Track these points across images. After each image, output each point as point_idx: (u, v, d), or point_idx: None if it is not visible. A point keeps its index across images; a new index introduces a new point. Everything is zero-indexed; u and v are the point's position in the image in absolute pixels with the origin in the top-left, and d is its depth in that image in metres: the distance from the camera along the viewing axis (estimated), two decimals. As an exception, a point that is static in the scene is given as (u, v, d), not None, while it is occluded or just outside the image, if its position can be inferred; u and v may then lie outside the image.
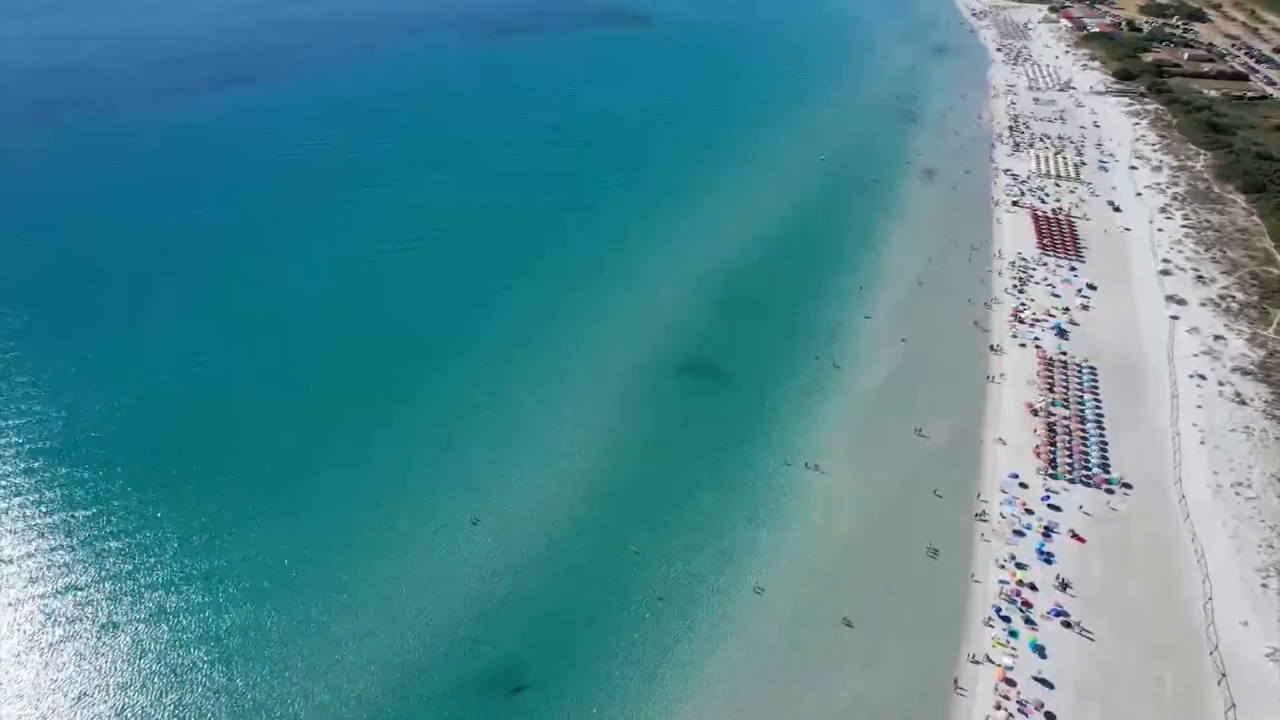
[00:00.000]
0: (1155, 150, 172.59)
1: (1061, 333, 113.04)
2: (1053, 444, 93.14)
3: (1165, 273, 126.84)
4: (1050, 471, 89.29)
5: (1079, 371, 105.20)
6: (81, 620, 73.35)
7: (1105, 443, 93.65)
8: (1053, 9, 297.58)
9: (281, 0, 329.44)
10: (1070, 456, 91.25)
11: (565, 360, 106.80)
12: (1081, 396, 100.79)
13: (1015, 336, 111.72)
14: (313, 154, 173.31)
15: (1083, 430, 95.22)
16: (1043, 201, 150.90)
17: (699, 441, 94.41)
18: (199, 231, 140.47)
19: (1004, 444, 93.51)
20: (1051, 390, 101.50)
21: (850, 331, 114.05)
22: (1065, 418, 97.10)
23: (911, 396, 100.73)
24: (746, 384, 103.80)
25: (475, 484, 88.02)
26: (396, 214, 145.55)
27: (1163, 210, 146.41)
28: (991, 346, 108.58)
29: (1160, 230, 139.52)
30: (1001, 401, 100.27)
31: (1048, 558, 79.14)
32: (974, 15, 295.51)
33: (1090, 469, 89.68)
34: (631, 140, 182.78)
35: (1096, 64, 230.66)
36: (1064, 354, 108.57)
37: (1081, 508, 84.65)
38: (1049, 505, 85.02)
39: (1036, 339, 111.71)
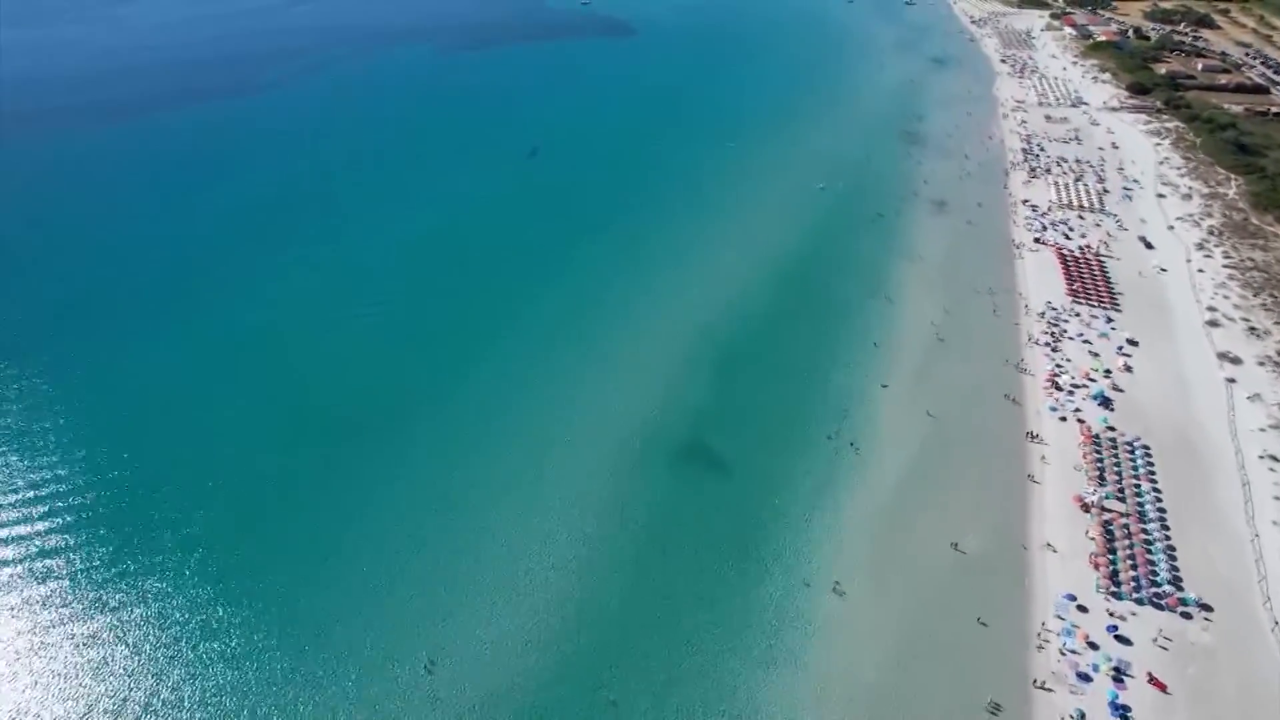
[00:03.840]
0: (1181, 175, 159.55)
1: (1105, 402, 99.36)
2: (1111, 550, 79.42)
3: (1213, 324, 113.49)
4: (1112, 589, 75.50)
5: (1131, 452, 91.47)
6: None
7: (1173, 548, 79.99)
8: (1054, 16, 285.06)
9: (251, 11, 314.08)
10: (1134, 568, 77.48)
11: (539, 449, 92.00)
12: (1138, 485, 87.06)
13: (1055, 409, 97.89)
14: (261, 185, 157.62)
15: (1144, 532, 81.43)
16: (1067, 238, 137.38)
17: (696, 553, 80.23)
18: (140, 269, 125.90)
19: (1054, 551, 79.75)
20: (1102, 479, 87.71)
21: (867, 403, 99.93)
22: (1122, 515, 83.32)
23: (942, 490, 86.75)
24: (751, 475, 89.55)
25: (431, 617, 73.89)
26: (352, 267, 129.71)
27: (1199, 247, 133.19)
28: (1030, 434, 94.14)
29: (1200, 271, 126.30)
30: (1045, 494, 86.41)
31: (1124, 713, 65.26)
32: (973, 23, 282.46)
33: (1159, 585, 75.99)
34: (613, 166, 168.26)
35: (1107, 76, 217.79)
36: (1111, 429, 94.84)
37: (1155, 640, 70.97)
38: (1116, 637, 71.26)
39: (1078, 410, 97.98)
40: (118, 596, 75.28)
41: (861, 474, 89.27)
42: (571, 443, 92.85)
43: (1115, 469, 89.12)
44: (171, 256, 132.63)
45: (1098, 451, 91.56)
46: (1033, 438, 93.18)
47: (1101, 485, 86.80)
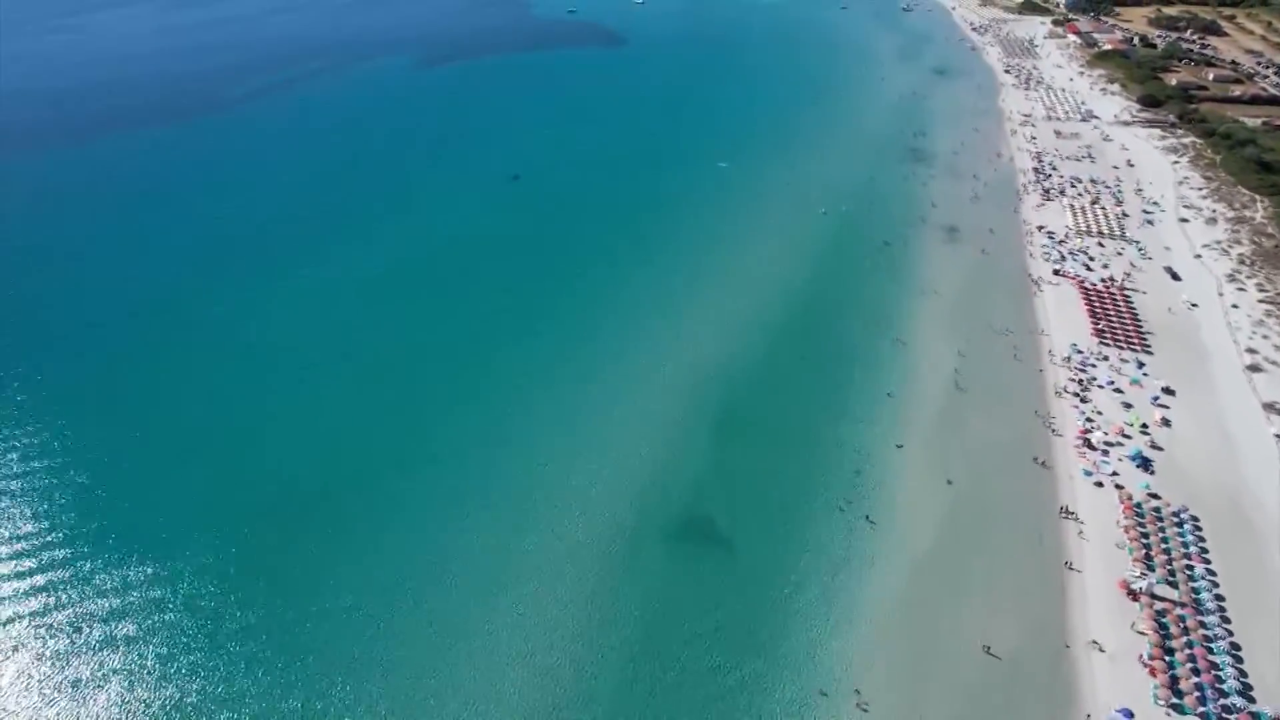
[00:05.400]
0: (1204, 196, 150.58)
1: (1144, 463, 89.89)
2: (1168, 651, 69.80)
3: (1254, 368, 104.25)
4: (1173, 700, 65.95)
5: (1179, 526, 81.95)
6: None
7: (1237, 646, 70.51)
8: (1056, 22, 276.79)
9: (223, 20, 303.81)
10: (1196, 673, 67.94)
11: (518, 528, 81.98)
12: (1191, 568, 77.57)
13: (1089, 474, 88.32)
14: (222, 214, 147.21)
15: (1203, 627, 71.92)
16: (1088, 268, 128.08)
17: (697, 654, 70.44)
18: (85, 308, 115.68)
19: (1101, 651, 70.16)
20: (1149, 559, 78.17)
21: (881, 467, 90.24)
22: (1176, 604, 73.80)
23: (968, 577, 77.11)
24: (756, 555, 79.80)
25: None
26: (315, 308, 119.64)
27: (1231, 278, 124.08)
28: (1063, 509, 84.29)
29: (1235, 306, 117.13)
30: (1085, 579, 76.88)
31: None
32: (974, 30, 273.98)
33: (1227, 694, 66.44)
34: (600, 191, 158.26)
35: (1116, 87, 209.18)
36: (1154, 497, 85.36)
37: (1228, 770, 61.10)
38: (1183, 766, 61.48)
39: (1115, 474, 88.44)
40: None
41: (878, 555, 79.54)
42: (555, 521, 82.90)
43: (1163, 547, 79.61)
44: (124, 292, 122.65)
45: (1141, 525, 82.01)
46: (1067, 513, 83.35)
47: (1149, 568, 77.24)
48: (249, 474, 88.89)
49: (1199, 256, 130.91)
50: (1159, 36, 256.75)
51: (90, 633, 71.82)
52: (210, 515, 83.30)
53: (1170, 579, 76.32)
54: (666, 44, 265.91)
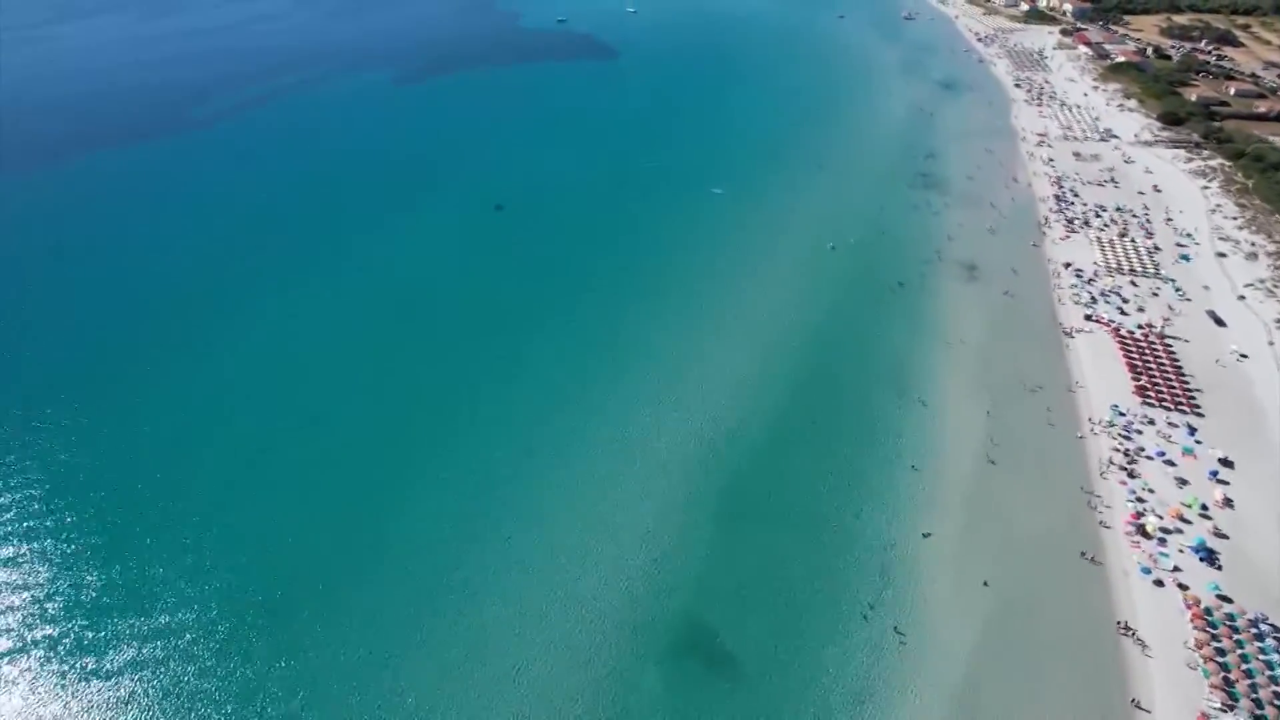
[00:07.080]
0: (1239, 227, 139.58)
1: (1209, 556, 78.61)
2: (1262, 813, 58.11)
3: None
4: None
5: (1259, 640, 70.71)
6: None
7: (1344, 807, 58.80)
8: (1065, 32, 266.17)
9: (201, 31, 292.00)
10: (1299, 846, 56.20)
11: (489, 649, 70.02)
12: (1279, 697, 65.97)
13: (1147, 571, 77.02)
14: (179, 245, 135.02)
15: (1302, 781, 60.27)
16: (1122, 313, 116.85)
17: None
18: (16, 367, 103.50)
19: (1184, 811, 58.38)
20: (1229, 684, 66.76)
21: (908, 562, 78.88)
22: (1266, 748, 62.19)
23: (1017, 710, 65.27)
24: (770, 678, 68.77)
25: None
26: (272, 355, 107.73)
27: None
28: (1121, 625, 72.64)
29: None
30: (1156, 713, 65.06)
31: None
32: (979, 40, 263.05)
33: None
34: (590, 225, 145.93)
35: (1134, 103, 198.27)
36: (1225, 600, 74.09)
37: None
38: None
39: (1177, 570, 77.19)
40: None
41: (910, 683, 68.15)
42: (535, 635, 71.10)
43: (1244, 668, 68.33)
44: (67, 341, 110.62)
45: (1215, 638, 70.62)
46: (1125, 629, 71.75)
47: (1232, 698, 65.80)
48: (196, 562, 76.92)
49: (1242, 297, 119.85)
50: (1173, 47, 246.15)
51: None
52: (154, 612, 71.45)
53: (1258, 712, 64.88)
54: (659, 57, 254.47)
